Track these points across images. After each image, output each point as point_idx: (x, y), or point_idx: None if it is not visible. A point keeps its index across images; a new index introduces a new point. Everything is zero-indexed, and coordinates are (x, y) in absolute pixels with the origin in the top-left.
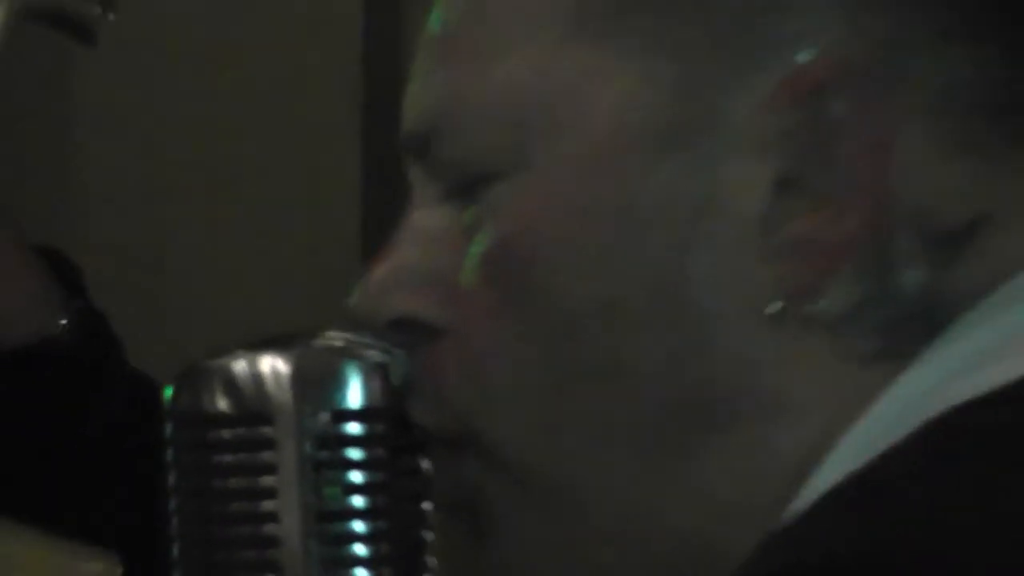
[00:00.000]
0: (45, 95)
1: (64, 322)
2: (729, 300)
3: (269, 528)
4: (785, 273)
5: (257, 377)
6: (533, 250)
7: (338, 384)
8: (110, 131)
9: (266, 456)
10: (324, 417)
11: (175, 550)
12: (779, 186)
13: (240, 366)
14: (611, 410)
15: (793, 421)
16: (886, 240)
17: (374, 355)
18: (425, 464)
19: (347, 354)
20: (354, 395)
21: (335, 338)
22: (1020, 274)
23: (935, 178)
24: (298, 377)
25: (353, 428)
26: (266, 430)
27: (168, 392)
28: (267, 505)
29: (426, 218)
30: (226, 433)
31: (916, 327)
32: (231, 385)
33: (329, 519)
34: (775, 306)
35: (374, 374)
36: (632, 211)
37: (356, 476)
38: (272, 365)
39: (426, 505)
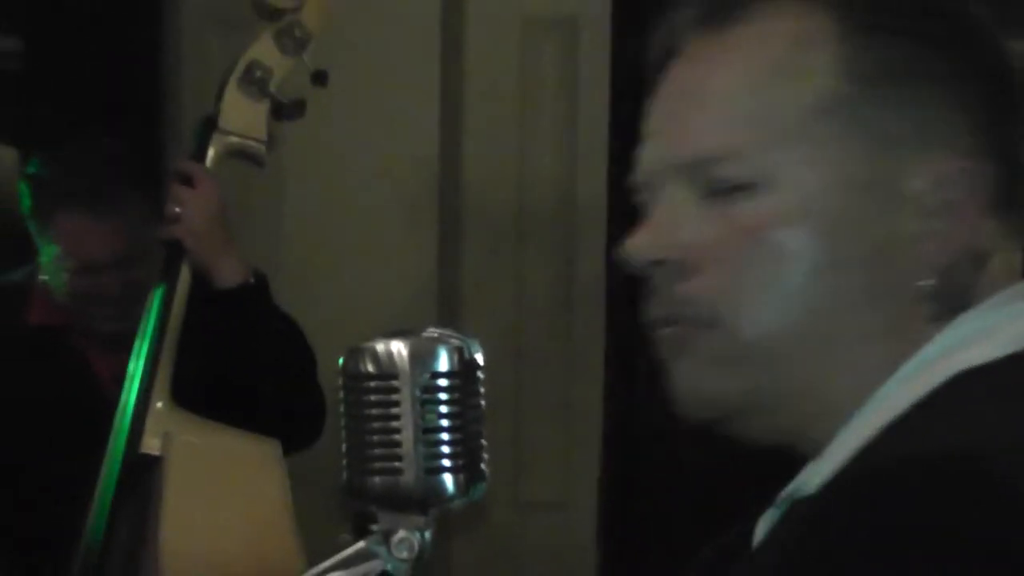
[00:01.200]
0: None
1: (252, 280)
2: (895, 275)
3: (395, 436)
4: (920, 266)
5: (389, 353)
6: (776, 227)
7: (435, 357)
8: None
9: (394, 397)
10: (427, 376)
11: (343, 448)
12: (923, 224)
13: (380, 346)
14: (817, 299)
15: (897, 340)
16: (957, 262)
17: (455, 341)
18: (482, 402)
19: (440, 340)
20: (443, 363)
21: (433, 331)
22: (999, 292)
23: (978, 236)
24: (412, 353)
25: (443, 382)
26: (394, 383)
27: (341, 361)
28: (394, 424)
29: (673, 208)
30: (372, 384)
31: (953, 308)
32: (375, 357)
33: (429, 432)
34: (925, 282)
35: (455, 352)
36: (841, 222)
37: (444, 408)
38: (398, 346)
39: (482, 426)
